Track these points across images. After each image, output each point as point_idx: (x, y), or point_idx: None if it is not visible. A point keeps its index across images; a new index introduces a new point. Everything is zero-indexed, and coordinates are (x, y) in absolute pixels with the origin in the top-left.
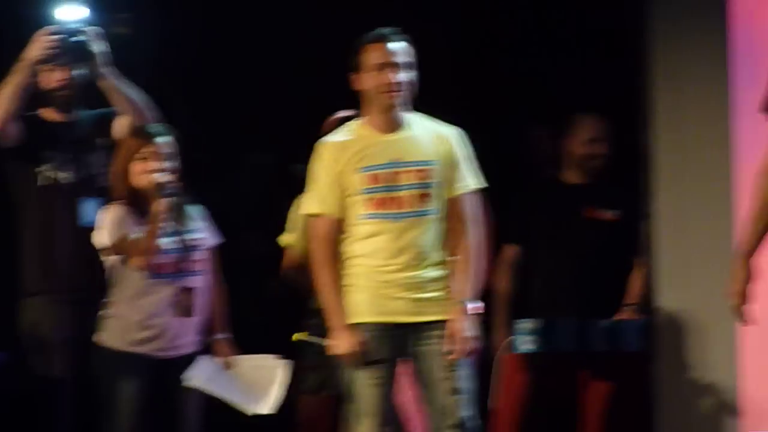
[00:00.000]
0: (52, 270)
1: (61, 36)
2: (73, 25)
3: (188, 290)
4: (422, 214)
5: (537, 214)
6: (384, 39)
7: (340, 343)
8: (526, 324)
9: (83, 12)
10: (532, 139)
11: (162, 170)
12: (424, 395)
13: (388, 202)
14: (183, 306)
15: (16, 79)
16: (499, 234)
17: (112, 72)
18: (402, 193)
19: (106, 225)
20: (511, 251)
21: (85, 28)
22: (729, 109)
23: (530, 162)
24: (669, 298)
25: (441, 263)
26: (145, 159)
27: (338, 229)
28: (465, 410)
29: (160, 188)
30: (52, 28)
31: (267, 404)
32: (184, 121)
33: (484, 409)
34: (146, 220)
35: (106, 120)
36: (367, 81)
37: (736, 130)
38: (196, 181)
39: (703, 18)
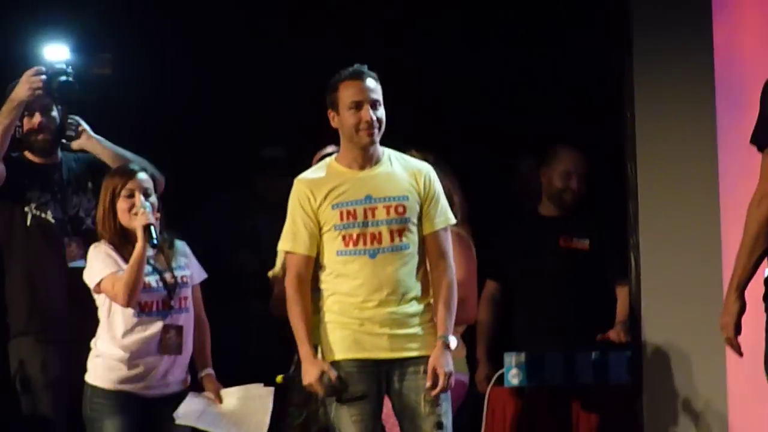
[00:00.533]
0: (40, 309)
1: (49, 76)
2: (60, 65)
3: (176, 328)
4: (398, 248)
5: (515, 248)
6: (360, 76)
7: (307, 374)
8: (513, 357)
9: (67, 52)
10: (520, 172)
11: (146, 207)
12: (406, 430)
13: (364, 238)
14: (171, 344)
15: (4, 121)
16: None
17: (99, 139)
18: (378, 229)
19: (93, 263)
20: (491, 286)
21: (70, 69)
22: (715, 141)
23: (518, 195)
24: (655, 329)
25: (419, 298)
26: (129, 196)
27: (309, 265)
28: None
29: (145, 225)
30: (38, 68)
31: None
32: (167, 159)
33: None
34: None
35: (99, 167)
36: (344, 119)
37: (721, 162)
38: (182, 218)
39: (687, 51)
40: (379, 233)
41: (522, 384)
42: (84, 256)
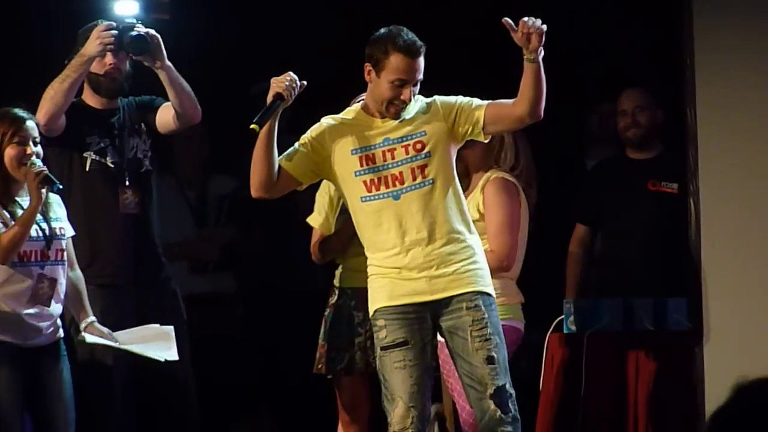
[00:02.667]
0: (100, 255)
1: (118, 31)
2: (129, 20)
3: (49, 279)
4: (422, 185)
5: (603, 191)
6: (416, 54)
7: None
8: (571, 303)
9: (137, 7)
10: (598, 116)
11: (36, 154)
12: (460, 368)
13: (386, 180)
14: (42, 294)
15: (72, 75)
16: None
17: (169, 65)
18: (399, 169)
19: None
20: (581, 230)
21: (140, 23)
22: None
23: (597, 139)
24: (714, 276)
25: (454, 232)
26: (20, 143)
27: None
28: (501, 379)
29: (40, 178)
30: (110, 23)
31: (173, 351)
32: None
33: (535, 389)
34: (12, 206)
35: (149, 107)
36: (381, 87)
37: None
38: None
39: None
40: (400, 173)
41: (580, 330)
42: (139, 203)
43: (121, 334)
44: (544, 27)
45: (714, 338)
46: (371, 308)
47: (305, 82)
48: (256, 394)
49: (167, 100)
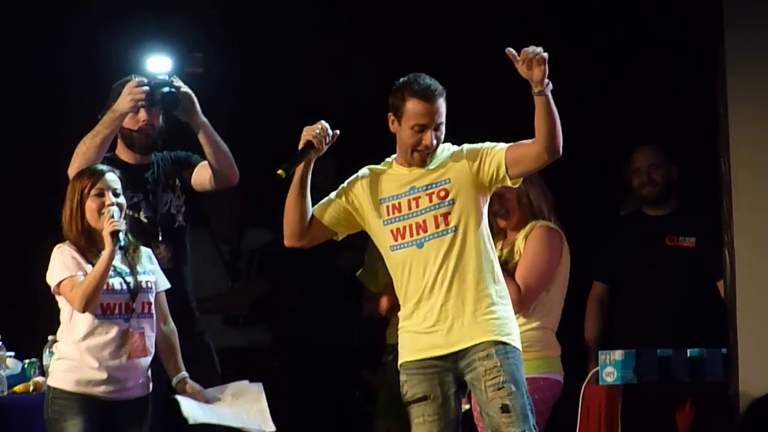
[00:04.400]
0: None
1: (151, 87)
2: (162, 76)
3: (139, 332)
4: (444, 233)
5: (621, 248)
6: (431, 98)
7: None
8: (609, 355)
9: (170, 63)
10: (620, 172)
11: (115, 205)
12: (484, 420)
13: (411, 229)
14: (136, 347)
15: (104, 131)
16: (585, 270)
17: (206, 122)
18: (422, 217)
19: (54, 265)
20: (599, 288)
21: (174, 78)
22: None
23: (619, 195)
24: (750, 326)
25: (474, 281)
26: (98, 195)
27: (310, 223)
28: (517, 427)
29: (112, 231)
30: (141, 79)
31: (267, 422)
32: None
33: None
34: (96, 258)
35: (185, 163)
36: (404, 134)
37: None
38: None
39: None
40: (424, 221)
41: (616, 381)
42: (172, 258)
43: (210, 391)
44: (546, 54)
45: (749, 387)
46: (399, 363)
47: (338, 132)
48: None
49: (204, 157)
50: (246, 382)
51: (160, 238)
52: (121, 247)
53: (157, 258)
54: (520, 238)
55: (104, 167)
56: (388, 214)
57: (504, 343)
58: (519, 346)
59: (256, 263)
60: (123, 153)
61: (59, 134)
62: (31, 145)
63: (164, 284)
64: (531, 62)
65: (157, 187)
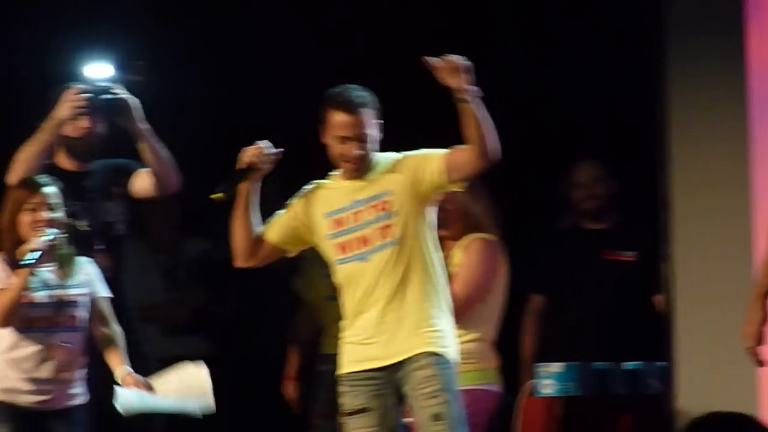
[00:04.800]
0: None
1: (91, 94)
2: (102, 83)
3: (62, 348)
4: (386, 246)
5: (559, 262)
6: (349, 108)
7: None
8: (547, 368)
9: (111, 70)
10: (558, 186)
11: (49, 221)
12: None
13: (356, 243)
14: (61, 362)
15: (44, 138)
16: (524, 284)
17: (148, 129)
18: (365, 231)
19: None
20: (536, 301)
21: (115, 85)
22: (748, 149)
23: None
24: (688, 339)
25: (413, 293)
26: (33, 210)
27: (260, 244)
28: None
29: (33, 248)
30: (81, 86)
31: (209, 403)
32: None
33: None
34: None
35: (124, 171)
36: (330, 145)
37: (754, 171)
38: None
39: (720, 59)
40: (367, 235)
41: (554, 394)
42: (111, 267)
43: (154, 379)
44: (467, 63)
45: (687, 401)
46: (339, 374)
47: (281, 150)
48: None
49: (144, 165)
50: (189, 363)
51: (99, 247)
52: (25, 265)
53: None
54: (458, 250)
55: (44, 180)
56: (333, 229)
57: (439, 355)
58: (456, 359)
59: (194, 272)
60: (63, 160)
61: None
62: None
63: (103, 292)
64: (451, 71)
65: (96, 195)
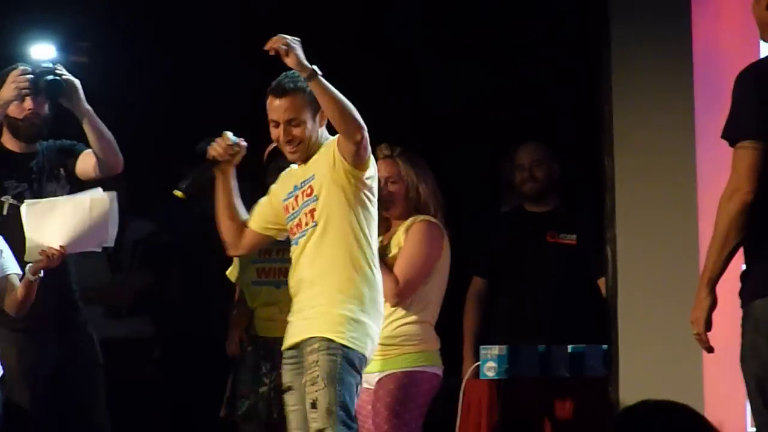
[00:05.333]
0: None
1: (35, 75)
2: (47, 64)
3: None
4: (308, 230)
5: (501, 244)
6: (277, 93)
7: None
8: (490, 350)
9: (54, 51)
10: (502, 167)
11: None
12: None
13: (297, 227)
14: None
15: None
16: (466, 266)
17: (91, 110)
18: (299, 215)
19: None
20: (478, 283)
21: (58, 66)
22: (693, 135)
23: (500, 192)
24: (631, 323)
25: (321, 277)
26: None
27: (244, 233)
28: (319, 424)
29: None
30: (25, 67)
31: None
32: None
33: None
34: None
35: (70, 152)
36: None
37: (699, 157)
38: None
39: (665, 44)
40: (300, 219)
41: (497, 376)
42: None
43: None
44: (290, 40)
45: (629, 384)
46: None
47: (243, 143)
48: None
49: (90, 146)
50: (99, 190)
51: None
52: None
53: None
54: (400, 231)
55: None
56: (286, 213)
57: (330, 340)
58: (350, 345)
59: (138, 254)
60: (8, 141)
61: None
62: None
63: (13, 269)
64: (284, 52)
65: (41, 176)
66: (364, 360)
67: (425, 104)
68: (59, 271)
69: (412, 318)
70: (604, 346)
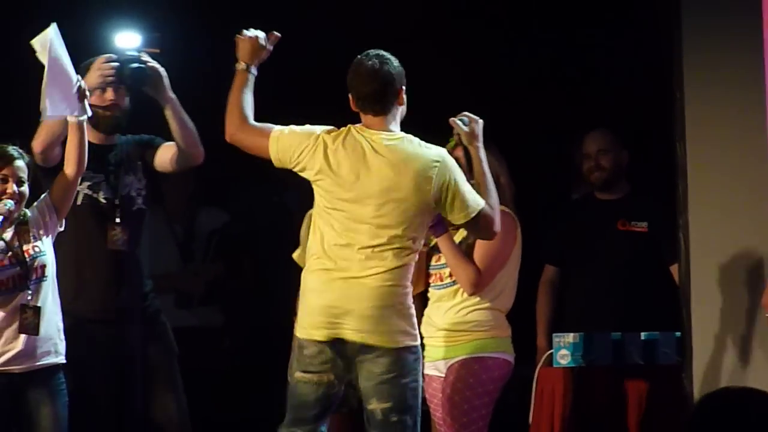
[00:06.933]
0: (86, 290)
1: (120, 63)
2: (131, 52)
3: (33, 308)
4: None
5: (572, 232)
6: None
7: None
8: (563, 338)
9: (139, 39)
10: (572, 155)
11: (13, 195)
12: None
13: None
14: (28, 324)
15: None
16: (538, 254)
17: (174, 98)
18: None
19: None
20: (550, 271)
21: (143, 54)
22: (765, 118)
23: (571, 180)
24: (704, 310)
25: None
26: (2, 182)
27: None
28: None
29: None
30: (110, 56)
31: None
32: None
33: (525, 423)
34: None
35: (148, 145)
36: None
37: None
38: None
39: (736, 28)
40: None
41: (570, 364)
42: (128, 241)
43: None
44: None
45: (702, 371)
46: None
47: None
48: (244, 429)
49: (169, 140)
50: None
51: (118, 220)
52: None
53: (112, 239)
54: None
55: (16, 152)
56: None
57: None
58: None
59: (212, 244)
60: (88, 132)
61: (26, 109)
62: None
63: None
64: None
65: (119, 168)
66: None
67: (494, 91)
68: (128, 265)
69: (485, 305)
70: (678, 333)
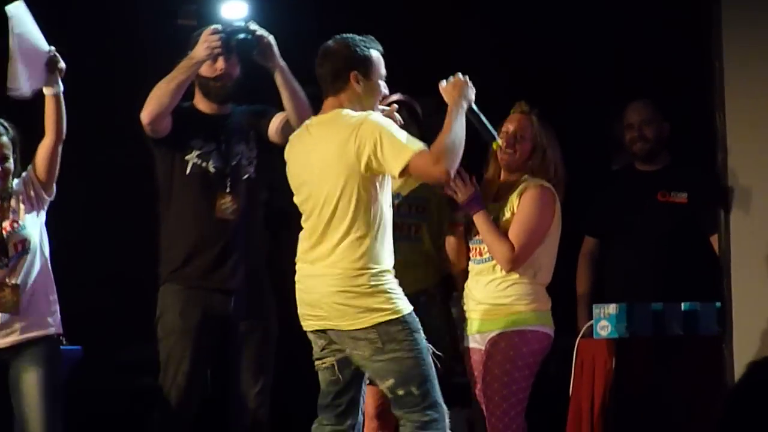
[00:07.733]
0: (194, 258)
1: (227, 34)
2: (239, 22)
3: (11, 286)
4: None
5: (613, 203)
6: None
7: None
8: (604, 309)
9: (246, 9)
10: (612, 126)
11: None
12: None
13: None
14: (6, 302)
15: (179, 77)
16: (578, 226)
17: (285, 66)
18: None
19: None
20: (590, 243)
21: (250, 23)
22: None
23: (611, 151)
24: (744, 281)
25: None
26: None
27: None
28: None
29: None
30: (217, 27)
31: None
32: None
33: (565, 394)
34: None
35: (262, 114)
36: None
37: None
38: None
39: None
40: None
41: (610, 335)
42: (237, 210)
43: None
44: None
45: (743, 342)
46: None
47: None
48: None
49: (280, 110)
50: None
51: (228, 189)
52: None
53: (221, 209)
54: (513, 196)
55: (1, 128)
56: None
57: None
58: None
59: None
60: (200, 102)
61: (134, 79)
62: (107, 90)
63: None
64: None
65: (231, 137)
66: None
67: (534, 62)
68: (238, 235)
69: (526, 279)
70: (718, 304)
